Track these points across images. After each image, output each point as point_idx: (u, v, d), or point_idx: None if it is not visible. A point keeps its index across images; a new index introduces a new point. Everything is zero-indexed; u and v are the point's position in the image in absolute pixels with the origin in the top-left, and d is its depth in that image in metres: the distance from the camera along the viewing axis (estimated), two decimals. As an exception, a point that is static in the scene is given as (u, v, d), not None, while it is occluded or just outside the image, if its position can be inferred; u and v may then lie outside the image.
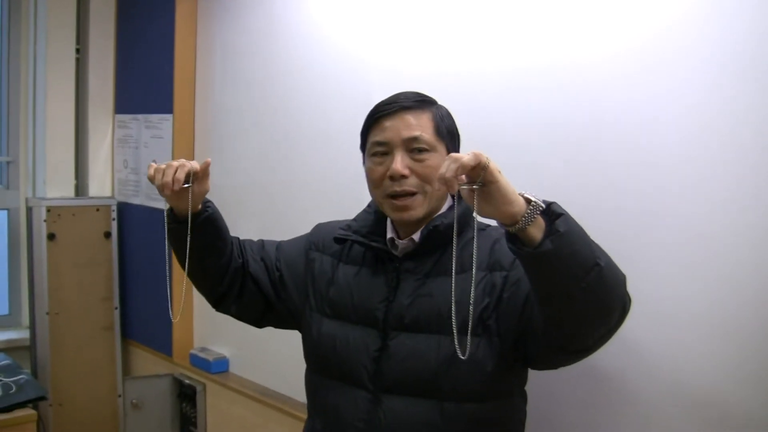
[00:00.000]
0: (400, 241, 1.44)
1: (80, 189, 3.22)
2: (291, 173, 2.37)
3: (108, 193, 3.21)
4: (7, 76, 3.15)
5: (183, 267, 1.48)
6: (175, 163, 1.39)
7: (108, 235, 3.09)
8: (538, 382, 1.49)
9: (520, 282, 1.31)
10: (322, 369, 1.48)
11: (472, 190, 1.09)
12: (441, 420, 1.34)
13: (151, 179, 1.40)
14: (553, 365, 1.36)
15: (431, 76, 1.91)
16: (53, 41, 3.08)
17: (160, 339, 2.94)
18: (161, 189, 1.39)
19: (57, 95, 3.11)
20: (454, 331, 1.17)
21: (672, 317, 1.47)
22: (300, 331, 1.58)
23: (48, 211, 2.95)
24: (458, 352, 1.16)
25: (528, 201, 1.10)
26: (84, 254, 3.03)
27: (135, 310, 3.14)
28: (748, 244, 1.37)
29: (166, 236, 1.50)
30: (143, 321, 3.10)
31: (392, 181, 1.38)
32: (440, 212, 1.43)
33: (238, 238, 1.59)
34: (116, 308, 3.11)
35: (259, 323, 1.65)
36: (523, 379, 1.45)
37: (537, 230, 1.10)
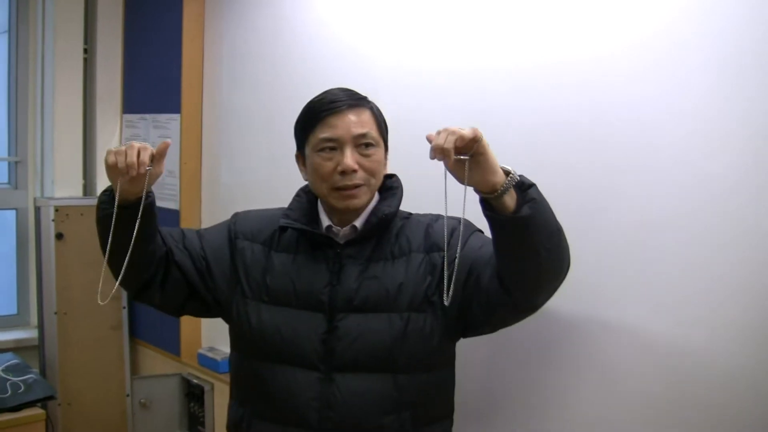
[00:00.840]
0: (341, 228, 1.51)
1: (88, 188, 3.22)
2: (299, 172, 2.36)
3: (116, 193, 3.21)
4: (15, 76, 3.15)
5: (111, 255, 1.42)
6: (137, 145, 1.35)
7: (116, 234, 3.08)
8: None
9: (458, 260, 1.38)
10: (266, 354, 1.50)
11: (463, 161, 1.20)
12: (395, 391, 1.44)
13: (113, 164, 1.34)
14: (497, 327, 1.48)
15: (437, 74, 1.92)
16: (61, 41, 3.08)
17: (168, 339, 2.94)
18: (125, 171, 1.33)
19: (65, 95, 3.12)
20: (445, 281, 1.27)
21: (674, 316, 1.47)
22: (226, 320, 1.60)
23: (56, 210, 2.95)
24: (445, 300, 1.26)
25: (507, 173, 1.24)
26: (92, 254, 2.97)
27: (143, 309, 3.14)
28: (750, 243, 1.37)
29: (99, 224, 1.45)
30: (151, 321, 3.10)
31: (342, 175, 1.46)
32: (374, 202, 1.53)
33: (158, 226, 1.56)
34: (124, 308, 3.11)
35: (180, 312, 1.64)
36: (455, 349, 1.57)
37: (510, 199, 1.24)
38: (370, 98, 1.53)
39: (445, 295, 1.28)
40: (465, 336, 1.52)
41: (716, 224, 1.40)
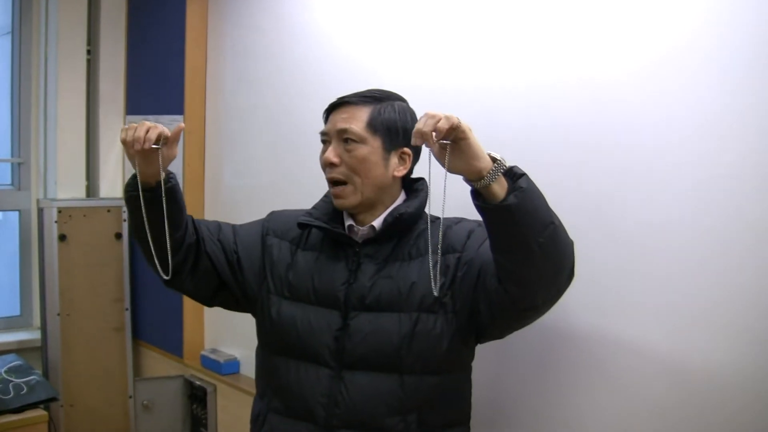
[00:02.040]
0: (361, 228, 1.53)
1: (91, 190, 3.22)
2: (302, 173, 2.36)
3: (119, 194, 3.21)
4: (19, 78, 3.15)
5: (139, 235, 1.49)
6: (148, 123, 1.42)
7: (119, 236, 3.09)
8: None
9: (473, 261, 1.43)
10: (283, 348, 1.53)
11: (444, 147, 1.20)
12: (402, 392, 1.44)
13: (123, 140, 1.42)
14: (503, 329, 1.47)
15: (435, 89, 1.91)
16: (64, 42, 3.08)
17: (171, 340, 2.94)
18: (131, 144, 1.40)
19: (68, 96, 3.12)
20: (431, 275, 1.33)
21: (674, 316, 1.47)
22: (253, 315, 1.64)
23: (59, 212, 2.95)
24: (434, 290, 1.32)
25: (494, 160, 1.22)
26: (95, 255, 3.03)
27: (146, 311, 3.14)
28: (750, 244, 1.36)
29: (126, 206, 1.51)
30: (154, 322, 3.11)
31: (327, 167, 1.51)
32: (397, 203, 1.54)
33: (192, 216, 1.61)
34: (127, 309, 3.11)
35: (210, 302, 1.68)
36: (473, 354, 1.56)
37: (500, 188, 1.22)
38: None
39: (432, 283, 1.32)
40: (480, 341, 1.51)
41: (718, 225, 1.40)
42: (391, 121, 1.51)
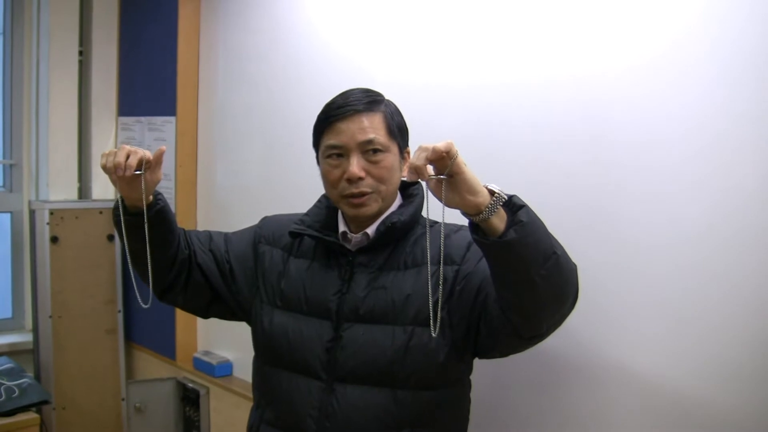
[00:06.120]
0: (354, 235, 1.48)
1: (83, 192, 3.22)
2: (295, 174, 2.36)
3: (111, 196, 3.20)
4: (11, 79, 3.14)
5: (131, 258, 1.48)
6: (127, 148, 1.38)
7: (111, 237, 3.08)
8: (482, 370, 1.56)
9: (471, 275, 1.38)
10: (274, 359, 1.51)
11: (440, 181, 1.14)
12: (394, 407, 1.40)
13: (103, 166, 1.38)
14: (505, 353, 1.42)
15: (430, 87, 1.91)
16: (56, 44, 3.08)
17: (164, 342, 2.93)
18: (111, 172, 1.36)
19: (60, 98, 3.11)
20: (431, 310, 1.25)
21: (673, 316, 1.46)
22: (248, 323, 1.61)
23: (51, 213, 2.94)
24: (432, 329, 1.23)
25: (492, 193, 1.16)
26: (87, 257, 3.02)
27: (138, 313, 3.13)
28: (745, 246, 1.36)
29: (115, 228, 1.48)
30: (147, 324, 3.10)
31: (349, 183, 1.41)
32: (392, 209, 1.48)
33: (184, 229, 1.59)
34: (119, 311, 3.11)
35: (205, 314, 1.66)
36: (470, 369, 1.51)
37: (499, 221, 1.16)
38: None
39: (432, 326, 1.24)
40: (479, 357, 1.46)
41: (712, 226, 1.40)
42: (400, 122, 1.47)
